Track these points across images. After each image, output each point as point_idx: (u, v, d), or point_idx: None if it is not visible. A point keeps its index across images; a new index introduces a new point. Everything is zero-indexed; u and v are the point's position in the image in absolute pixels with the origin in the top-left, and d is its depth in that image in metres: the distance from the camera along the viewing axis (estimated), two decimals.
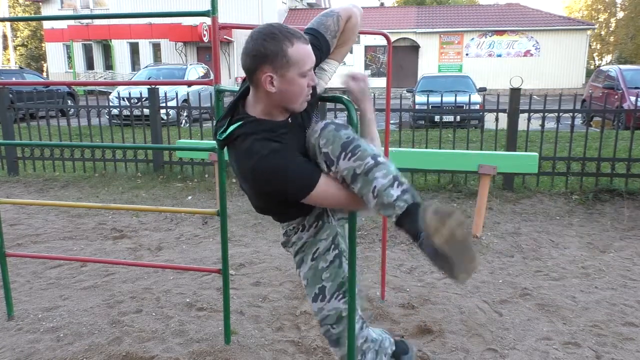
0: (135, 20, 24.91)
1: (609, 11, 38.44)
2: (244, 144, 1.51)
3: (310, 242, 1.78)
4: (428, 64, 26.77)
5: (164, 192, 5.54)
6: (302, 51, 1.47)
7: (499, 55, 26.35)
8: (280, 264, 3.57)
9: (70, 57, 28.52)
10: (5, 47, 35.17)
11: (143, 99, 6.78)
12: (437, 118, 9.46)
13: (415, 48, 27.01)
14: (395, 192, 1.58)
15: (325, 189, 1.53)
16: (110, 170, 6.38)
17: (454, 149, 5.31)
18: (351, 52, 27.60)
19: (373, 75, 27.92)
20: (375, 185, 1.57)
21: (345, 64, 27.50)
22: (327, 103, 5.52)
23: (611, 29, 38.30)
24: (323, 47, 1.70)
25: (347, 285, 1.79)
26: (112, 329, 2.67)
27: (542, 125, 5.23)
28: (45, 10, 29.69)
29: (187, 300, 3.02)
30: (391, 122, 10.67)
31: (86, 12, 27.86)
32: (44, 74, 33.20)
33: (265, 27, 1.49)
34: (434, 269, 3.48)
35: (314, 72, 1.69)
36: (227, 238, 2.41)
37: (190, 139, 6.16)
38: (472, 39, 26.48)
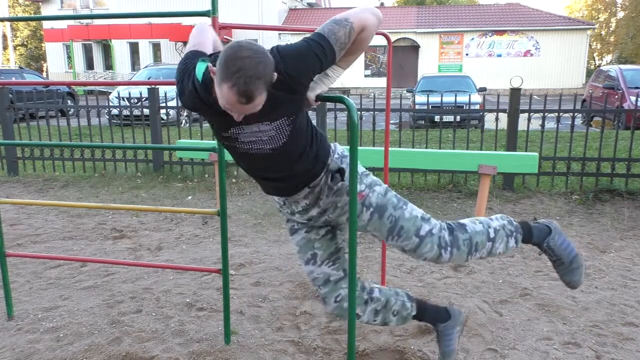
0: (135, 20, 24.92)
1: (609, 11, 38.44)
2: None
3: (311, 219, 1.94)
4: (428, 64, 26.77)
5: (164, 192, 5.54)
6: (226, 96, 1.47)
7: (499, 55, 26.36)
8: (280, 264, 3.57)
9: (70, 57, 28.52)
10: (5, 47, 35.17)
11: (143, 99, 6.78)
12: (437, 118, 9.47)
13: (415, 48, 27.01)
14: (446, 256, 1.91)
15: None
16: (110, 170, 6.39)
17: (454, 149, 5.31)
18: None
19: (373, 75, 27.91)
20: (425, 258, 1.91)
21: None
22: (328, 103, 5.53)
23: (611, 28, 38.31)
24: (329, 58, 1.67)
25: (338, 254, 1.97)
26: (112, 329, 2.67)
27: (542, 125, 5.23)
28: (45, 10, 29.70)
29: (187, 300, 3.02)
30: (391, 122, 10.70)
31: (86, 12, 27.86)
32: (44, 74, 33.20)
33: (233, 48, 1.48)
34: (435, 269, 3.48)
35: (320, 77, 1.76)
36: (227, 238, 2.41)
37: (190, 139, 6.16)
38: (472, 39, 26.49)
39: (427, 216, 1.94)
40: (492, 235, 1.99)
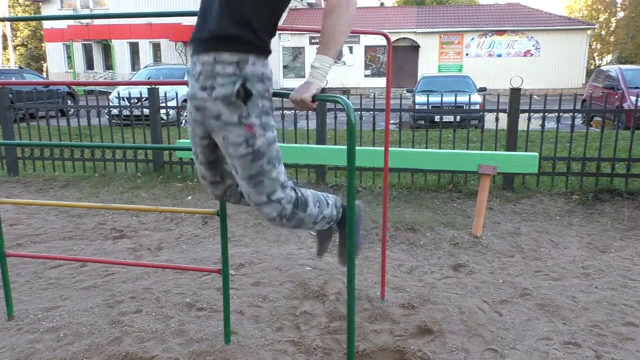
0: (135, 20, 24.92)
1: (609, 11, 38.45)
2: None
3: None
4: (428, 64, 26.78)
5: (164, 192, 5.54)
6: None
7: (499, 55, 26.37)
8: (280, 264, 3.57)
9: (70, 57, 28.53)
10: (5, 47, 35.17)
11: (143, 99, 6.77)
12: (437, 118, 9.47)
13: (415, 48, 27.01)
14: (277, 222, 1.96)
15: None
16: (110, 170, 6.38)
17: (454, 149, 5.31)
18: (351, 52, 27.62)
19: (373, 75, 27.91)
20: (260, 212, 1.93)
21: (345, 64, 27.54)
22: (327, 103, 5.54)
23: (611, 28, 38.32)
24: None
25: (216, 163, 1.99)
26: (112, 329, 2.67)
27: (542, 125, 5.23)
28: (45, 10, 29.71)
29: (187, 300, 3.02)
30: (391, 122, 10.69)
31: (86, 12, 27.84)
32: (44, 74, 33.21)
33: None
34: (435, 269, 3.48)
35: (311, 73, 1.76)
36: (227, 238, 2.41)
37: None
38: (472, 38, 26.50)
39: (287, 184, 1.90)
40: (318, 219, 2.05)
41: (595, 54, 40.14)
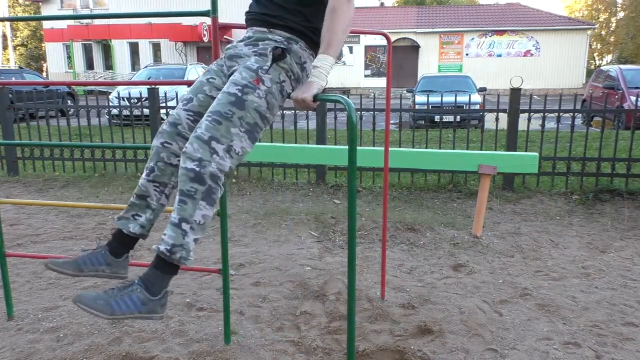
0: (135, 20, 24.91)
1: (609, 11, 38.45)
2: None
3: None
4: (428, 64, 26.78)
5: None
6: None
7: (499, 55, 26.36)
8: (280, 264, 3.57)
9: (70, 57, 28.53)
10: (5, 47, 35.17)
11: (143, 99, 6.77)
12: (437, 118, 9.47)
13: (415, 48, 27.01)
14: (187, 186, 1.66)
15: None
16: (110, 170, 6.38)
17: (454, 149, 5.31)
18: (351, 52, 27.61)
19: (373, 75, 27.91)
20: (186, 160, 1.67)
21: (345, 64, 27.53)
22: (328, 103, 5.54)
23: (611, 28, 38.32)
24: None
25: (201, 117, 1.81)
26: (112, 329, 2.67)
27: (542, 125, 5.23)
28: (45, 10, 29.71)
29: (187, 300, 3.02)
30: (391, 122, 10.67)
31: (86, 12, 27.85)
32: (44, 74, 33.21)
33: None
34: (435, 269, 3.48)
35: (312, 73, 1.75)
36: (227, 238, 2.41)
37: None
38: (472, 38, 26.49)
39: (235, 159, 1.71)
40: (200, 224, 1.68)
41: (595, 54, 40.14)
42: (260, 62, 1.76)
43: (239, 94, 1.70)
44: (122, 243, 1.90)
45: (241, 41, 1.86)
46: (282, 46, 1.78)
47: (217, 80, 1.86)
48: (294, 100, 1.73)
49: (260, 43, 1.81)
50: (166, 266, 1.69)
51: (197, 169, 1.63)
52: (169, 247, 1.64)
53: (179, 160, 1.80)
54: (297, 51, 1.80)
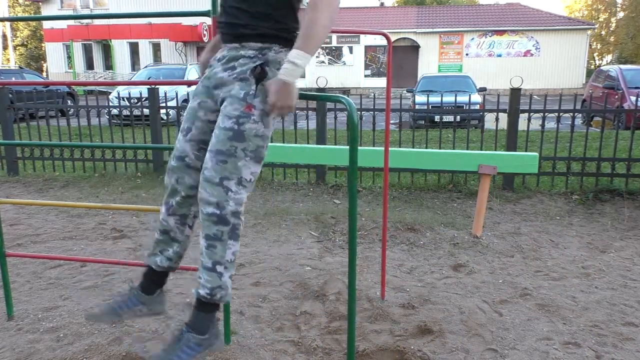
0: (135, 20, 24.92)
1: (609, 11, 38.45)
2: None
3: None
4: (428, 64, 26.78)
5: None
6: None
7: (499, 55, 26.36)
8: (280, 264, 3.57)
9: (70, 57, 28.53)
10: (5, 47, 35.18)
11: (143, 99, 6.77)
12: (437, 118, 9.47)
13: (415, 48, 27.01)
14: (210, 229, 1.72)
15: None
16: (110, 170, 6.38)
17: (454, 149, 5.31)
18: (351, 52, 27.61)
19: (373, 75, 27.91)
20: (200, 203, 1.73)
21: (345, 64, 27.53)
22: (327, 103, 5.54)
23: (611, 28, 38.32)
24: None
25: (205, 144, 1.80)
26: (112, 329, 2.67)
27: (542, 125, 5.23)
28: (45, 10, 29.71)
29: (187, 300, 3.02)
30: (391, 122, 10.67)
31: (86, 12, 27.85)
32: (44, 74, 33.21)
33: None
34: (435, 269, 3.48)
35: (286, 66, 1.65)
36: None
37: None
38: (472, 38, 26.49)
39: (249, 188, 1.72)
40: (229, 263, 1.75)
41: (595, 54, 40.14)
42: (245, 87, 1.71)
43: (236, 127, 1.67)
44: (152, 280, 1.93)
45: (219, 61, 1.80)
46: (258, 62, 1.72)
47: (209, 102, 1.82)
48: (274, 108, 1.64)
49: (236, 64, 1.74)
50: (208, 307, 1.75)
51: (218, 211, 1.67)
52: (208, 291, 1.70)
53: (195, 191, 1.82)
54: (274, 59, 1.74)
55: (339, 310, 2.85)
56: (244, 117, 1.68)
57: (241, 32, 1.74)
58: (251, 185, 1.75)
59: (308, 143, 5.72)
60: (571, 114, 5.20)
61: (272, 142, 5.81)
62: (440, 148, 5.47)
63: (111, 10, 27.42)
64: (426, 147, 5.69)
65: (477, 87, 12.41)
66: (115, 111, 9.09)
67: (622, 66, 12.92)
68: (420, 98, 11.13)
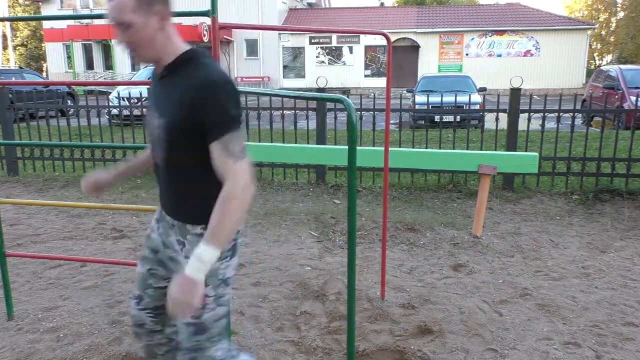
0: None
1: (609, 11, 38.44)
2: None
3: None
4: (428, 64, 26.77)
5: None
6: None
7: (499, 55, 26.35)
8: (280, 264, 3.57)
9: (70, 57, 28.53)
10: (5, 47, 35.18)
11: (143, 99, 6.77)
12: (437, 118, 9.47)
13: (415, 48, 27.00)
14: None
15: None
16: None
17: (454, 149, 5.31)
18: (351, 52, 27.61)
19: (373, 75, 27.90)
20: None
21: (345, 64, 27.53)
22: (327, 103, 5.54)
23: (611, 28, 38.30)
24: (234, 123, 1.48)
25: (164, 312, 1.81)
26: (112, 329, 2.67)
27: (542, 125, 5.23)
28: (45, 10, 29.71)
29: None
30: (391, 122, 10.66)
31: (86, 12, 27.85)
32: (44, 74, 33.22)
33: None
34: (435, 269, 3.48)
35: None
36: None
37: None
38: (472, 38, 26.49)
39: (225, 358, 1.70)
40: None
41: (595, 54, 40.13)
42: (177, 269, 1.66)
43: (195, 320, 1.61)
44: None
45: (157, 221, 1.77)
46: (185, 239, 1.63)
47: (159, 270, 1.78)
48: (175, 303, 1.43)
49: (185, 242, 1.63)
50: None
51: None
52: None
53: (167, 284, 1.79)
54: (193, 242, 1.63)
55: (339, 310, 2.85)
56: (200, 309, 1.60)
57: (168, 213, 1.68)
58: (228, 352, 1.72)
59: (308, 143, 5.72)
60: (571, 114, 5.20)
61: (272, 142, 5.81)
62: (440, 148, 5.47)
63: None
64: (426, 147, 5.68)
65: (477, 87, 12.40)
66: (115, 111, 9.09)
67: (622, 66, 12.91)
68: (420, 98, 11.12)
